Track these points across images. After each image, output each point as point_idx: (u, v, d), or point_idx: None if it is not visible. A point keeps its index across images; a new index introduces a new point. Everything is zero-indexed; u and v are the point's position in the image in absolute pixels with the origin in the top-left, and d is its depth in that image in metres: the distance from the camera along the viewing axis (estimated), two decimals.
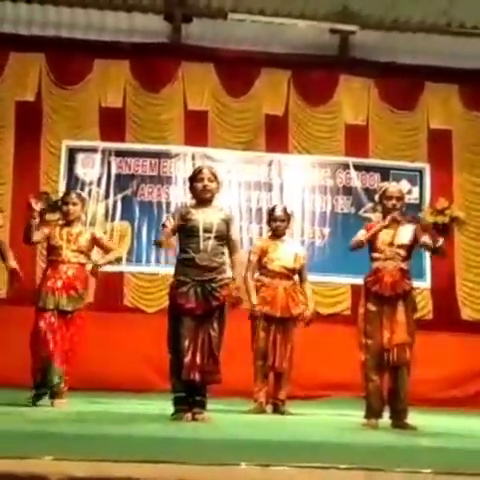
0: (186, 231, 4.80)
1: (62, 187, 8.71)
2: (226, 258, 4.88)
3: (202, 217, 4.80)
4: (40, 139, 8.98)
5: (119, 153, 9.04)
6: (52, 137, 8.99)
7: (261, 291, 6.17)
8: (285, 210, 6.41)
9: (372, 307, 5.04)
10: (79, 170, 8.98)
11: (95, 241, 5.95)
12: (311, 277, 8.79)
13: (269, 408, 6.16)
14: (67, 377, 5.71)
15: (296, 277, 6.35)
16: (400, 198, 5.23)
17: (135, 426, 4.38)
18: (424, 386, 7.86)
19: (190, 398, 4.74)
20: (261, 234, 8.85)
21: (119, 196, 8.92)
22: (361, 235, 5.20)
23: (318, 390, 8.31)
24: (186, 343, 4.64)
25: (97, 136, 9.05)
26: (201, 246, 4.74)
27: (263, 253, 6.25)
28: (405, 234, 5.15)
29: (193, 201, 4.98)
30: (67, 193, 6.17)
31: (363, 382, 5.05)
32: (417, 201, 9.08)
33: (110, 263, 6.07)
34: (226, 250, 4.89)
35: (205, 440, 3.71)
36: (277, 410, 6.13)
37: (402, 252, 5.12)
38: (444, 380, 8.54)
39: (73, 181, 8.91)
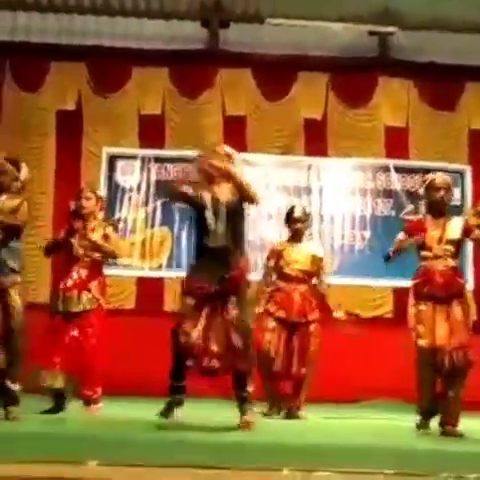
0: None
1: (103, 194, 8.78)
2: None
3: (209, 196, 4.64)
4: (81, 147, 9.08)
5: (158, 159, 9.10)
6: (92, 145, 9.09)
7: (277, 295, 6.05)
8: (304, 211, 6.33)
9: (423, 307, 4.86)
10: (119, 177, 9.06)
11: (105, 238, 5.78)
12: (352, 280, 8.89)
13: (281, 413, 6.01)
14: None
15: (314, 280, 6.24)
16: (448, 189, 5.02)
17: (182, 432, 4.37)
18: (471, 390, 7.74)
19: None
20: None
21: (158, 202, 8.97)
22: (392, 248, 5.06)
23: (360, 394, 8.24)
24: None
25: (136, 143, 9.13)
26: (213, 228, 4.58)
27: (279, 257, 6.12)
28: (454, 228, 4.97)
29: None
30: (81, 189, 6.06)
31: (416, 384, 4.88)
32: (458, 203, 8.96)
33: (105, 252, 5.82)
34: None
35: (247, 444, 3.70)
36: (291, 415, 5.94)
37: (452, 248, 4.94)
38: None
39: (113, 188, 9.00)
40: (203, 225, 4.60)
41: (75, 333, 5.59)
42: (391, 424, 5.59)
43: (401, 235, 5.09)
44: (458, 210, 8.85)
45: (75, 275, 5.66)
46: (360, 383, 8.24)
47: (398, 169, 9.18)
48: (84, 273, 5.68)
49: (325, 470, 2.83)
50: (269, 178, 9.08)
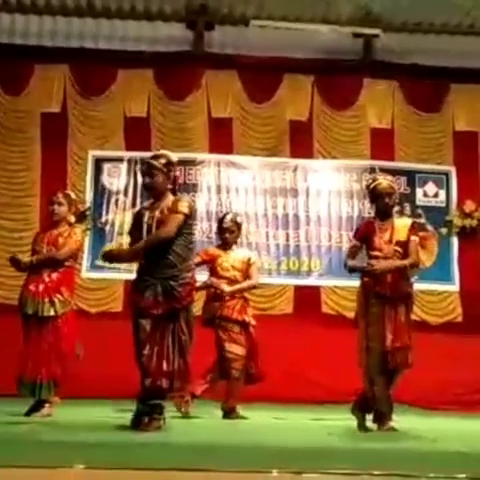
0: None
1: (89, 197, 8.78)
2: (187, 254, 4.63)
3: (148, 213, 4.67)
4: (66, 150, 9.05)
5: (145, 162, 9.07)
6: (78, 148, 9.06)
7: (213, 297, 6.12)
8: (235, 220, 6.36)
9: (373, 308, 4.91)
10: (105, 180, 9.03)
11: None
12: (339, 281, 8.91)
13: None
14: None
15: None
16: (391, 194, 5.05)
17: (174, 433, 4.37)
18: (455, 389, 7.81)
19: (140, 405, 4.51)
20: (288, 240, 8.87)
21: (145, 205, 8.92)
22: (349, 259, 5.14)
23: (349, 394, 8.25)
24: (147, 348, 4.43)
25: (122, 146, 9.11)
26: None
27: (213, 261, 6.20)
28: (401, 230, 5.03)
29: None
30: (54, 194, 5.97)
31: (367, 386, 4.92)
32: (443, 204, 9.01)
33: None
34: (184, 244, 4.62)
35: (232, 446, 3.70)
36: (228, 415, 6.00)
37: (400, 249, 4.99)
38: (475, 383, 8.45)
39: (100, 191, 8.97)
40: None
41: (49, 337, 5.56)
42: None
43: (354, 242, 5.16)
44: (443, 211, 8.93)
45: (46, 279, 5.62)
46: (348, 384, 8.26)
47: (383, 171, 9.08)
48: (55, 277, 5.64)
49: (314, 472, 2.84)
50: (255, 180, 9.09)
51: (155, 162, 4.69)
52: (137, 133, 9.12)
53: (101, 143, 9.10)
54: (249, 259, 6.30)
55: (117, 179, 9.02)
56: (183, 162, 9.03)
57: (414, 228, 5.09)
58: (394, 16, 9.11)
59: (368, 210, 9.13)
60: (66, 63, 9.14)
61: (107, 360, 7.51)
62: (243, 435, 4.61)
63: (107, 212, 8.91)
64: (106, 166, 9.06)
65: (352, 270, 5.15)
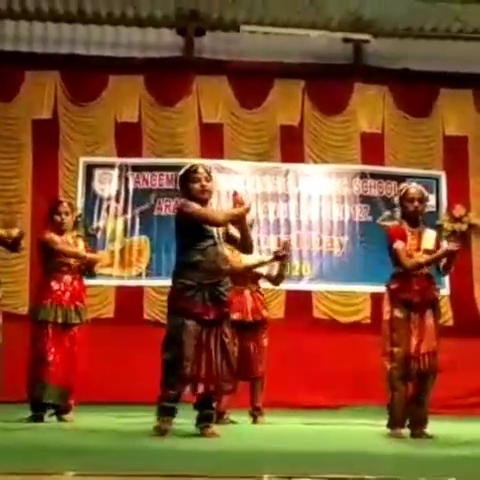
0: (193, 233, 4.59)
1: (80, 204, 8.76)
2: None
3: None
4: (57, 156, 9.03)
5: (136, 168, 9.09)
6: (69, 154, 9.06)
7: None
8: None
9: (399, 314, 4.92)
10: (97, 186, 9.03)
11: None
12: (330, 286, 8.94)
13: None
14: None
15: (261, 281, 6.29)
16: (422, 200, 5.07)
17: (158, 440, 4.38)
18: (446, 393, 7.82)
19: (198, 411, 4.58)
20: (279, 245, 8.86)
21: (137, 211, 8.95)
22: (418, 258, 4.98)
23: (339, 399, 8.29)
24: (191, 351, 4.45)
25: (114, 152, 9.11)
26: (208, 249, 4.55)
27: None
28: (429, 239, 5.06)
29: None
30: (60, 202, 6.04)
31: (387, 391, 4.95)
32: (434, 209, 9.02)
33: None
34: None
35: (225, 452, 3.71)
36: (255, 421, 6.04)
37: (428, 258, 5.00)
38: (465, 387, 8.49)
39: (91, 197, 8.97)
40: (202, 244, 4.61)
41: (68, 344, 5.70)
42: (367, 430, 5.61)
43: (399, 243, 5.02)
44: (433, 216, 8.95)
45: (70, 287, 5.74)
46: (340, 389, 8.30)
47: (374, 175, 9.24)
48: (77, 285, 5.78)
49: (304, 476, 2.85)
50: (247, 185, 9.11)
51: (208, 168, 4.73)
52: (128, 139, 9.13)
53: (92, 149, 9.10)
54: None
55: (108, 185, 9.02)
56: (174, 168, 9.06)
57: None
58: (384, 21, 9.15)
59: (359, 215, 9.18)
60: (57, 69, 9.13)
61: (99, 366, 7.51)
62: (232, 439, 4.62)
63: (98, 219, 8.92)
64: (97, 172, 9.05)
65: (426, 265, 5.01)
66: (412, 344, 4.85)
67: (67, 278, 5.75)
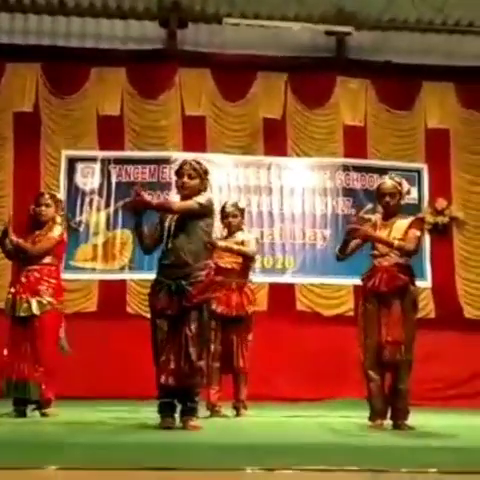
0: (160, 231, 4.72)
1: (63, 197, 8.70)
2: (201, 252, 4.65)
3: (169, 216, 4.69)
4: (39, 149, 8.98)
5: (118, 161, 9.04)
6: (51, 147, 9.00)
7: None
8: (236, 205, 6.33)
9: (369, 305, 5.02)
10: (79, 180, 8.99)
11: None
12: (314, 279, 8.95)
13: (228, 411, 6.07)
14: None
15: (250, 273, 6.28)
16: (393, 195, 5.12)
17: (140, 433, 4.38)
18: (427, 385, 7.89)
19: (180, 405, 4.60)
20: (262, 238, 8.87)
21: (119, 204, 8.92)
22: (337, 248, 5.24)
23: (322, 392, 8.32)
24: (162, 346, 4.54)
25: (96, 145, 9.06)
26: (165, 246, 4.64)
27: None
28: (400, 229, 5.07)
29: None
30: (40, 194, 5.98)
31: (365, 382, 5.02)
32: (416, 201, 9.05)
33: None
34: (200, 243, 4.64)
35: (207, 445, 3.72)
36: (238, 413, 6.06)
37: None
38: (447, 378, 8.56)
39: (73, 191, 8.92)
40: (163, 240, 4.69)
41: (29, 338, 5.57)
42: (349, 421, 5.64)
43: (345, 237, 5.21)
44: (415, 208, 9.00)
45: (23, 279, 5.63)
46: (323, 381, 8.33)
47: (357, 168, 9.25)
48: (32, 277, 5.65)
49: (286, 468, 2.86)
50: (230, 178, 9.11)
51: (197, 165, 4.72)
52: (110, 132, 9.08)
53: (74, 142, 9.05)
54: (242, 241, 6.16)
55: (91, 179, 8.98)
56: (156, 161, 9.06)
57: (416, 223, 5.12)
58: (366, 14, 9.16)
59: (342, 208, 9.20)
60: (38, 62, 9.08)
61: (82, 360, 7.50)
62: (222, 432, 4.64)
63: (81, 212, 8.88)
64: (79, 166, 9.00)
65: (341, 252, 5.18)
66: (382, 334, 4.90)
67: (21, 270, 5.66)
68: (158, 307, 4.58)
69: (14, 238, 5.67)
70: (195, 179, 4.69)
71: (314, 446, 3.79)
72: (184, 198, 4.71)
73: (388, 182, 5.20)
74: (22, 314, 5.57)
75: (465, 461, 3.24)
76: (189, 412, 4.58)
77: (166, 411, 4.59)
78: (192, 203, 4.63)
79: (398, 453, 3.58)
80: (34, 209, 5.78)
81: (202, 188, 4.72)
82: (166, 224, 4.68)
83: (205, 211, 4.67)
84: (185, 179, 4.68)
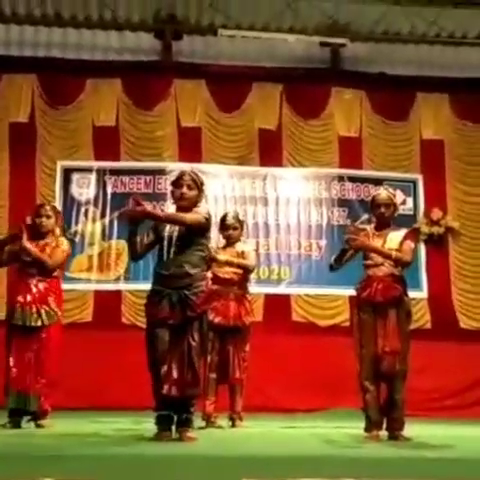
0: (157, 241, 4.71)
1: (58, 208, 8.70)
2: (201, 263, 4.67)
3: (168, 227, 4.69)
4: (35, 160, 8.99)
5: (114, 172, 9.05)
6: (47, 158, 9.01)
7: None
8: (237, 217, 6.34)
9: (364, 315, 5.00)
10: (74, 190, 8.99)
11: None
12: (309, 289, 8.96)
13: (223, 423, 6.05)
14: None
15: (248, 285, 6.28)
16: (388, 205, 5.15)
17: (136, 445, 4.36)
18: (423, 395, 7.89)
19: (176, 416, 4.57)
20: (258, 248, 8.87)
21: (115, 215, 8.91)
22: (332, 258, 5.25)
23: (318, 402, 8.31)
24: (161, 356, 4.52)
25: (91, 155, 9.07)
26: (165, 256, 4.63)
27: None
28: (394, 239, 5.08)
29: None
30: (41, 205, 5.99)
31: (360, 393, 5.01)
32: (411, 212, 9.08)
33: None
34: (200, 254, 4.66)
35: (203, 457, 3.71)
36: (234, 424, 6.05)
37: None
38: (443, 389, 8.55)
39: (69, 201, 8.92)
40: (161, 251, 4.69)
41: (35, 348, 5.56)
42: (345, 433, 5.63)
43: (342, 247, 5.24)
44: (411, 219, 9.02)
45: (34, 289, 5.62)
46: (319, 392, 8.31)
47: (352, 179, 9.27)
48: (42, 287, 5.64)
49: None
50: (225, 188, 9.12)
51: (195, 176, 4.74)
52: (106, 142, 9.10)
53: (70, 153, 9.06)
54: (242, 252, 6.17)
55: (86, 189, 8.99)
56: (152, 172, 9.07)
57: (411, 235, 5.14)
58: (361, 25, 9.22)
59: (337, 218, 9.21)
60: (34, 72, 9.10)
61: (77, 371, 7.49)
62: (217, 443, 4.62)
63: (76, 223, 8.87)
64: (75, 176, 9.01)
65: (336, 262, 5.19)
66: (379, 345, 4.90)
67: (31, 280, 5.65)
68: (160, 316, 4.55)
69: (32, 248, 5.64)
70: (193, 190, 4.70)
71: (310, 457, 3.79)
72: (182, 209, 4.70)
73: (383, 193, 5.23)
74: (32, 324, 5.57)
75: (461, 472, 3.24)
76: (186, 423, 4.57)
77: (164, 424, 4.56)
78: (201, 217, 4.65)
79: (394, 464, 3.57)
80: (34, 220, 5.77)
81: (199, 199, 4.74)
82: (165, 234, 4.67)
83: (209, 225, 4.72)
84: (184, 190, 4.68)
